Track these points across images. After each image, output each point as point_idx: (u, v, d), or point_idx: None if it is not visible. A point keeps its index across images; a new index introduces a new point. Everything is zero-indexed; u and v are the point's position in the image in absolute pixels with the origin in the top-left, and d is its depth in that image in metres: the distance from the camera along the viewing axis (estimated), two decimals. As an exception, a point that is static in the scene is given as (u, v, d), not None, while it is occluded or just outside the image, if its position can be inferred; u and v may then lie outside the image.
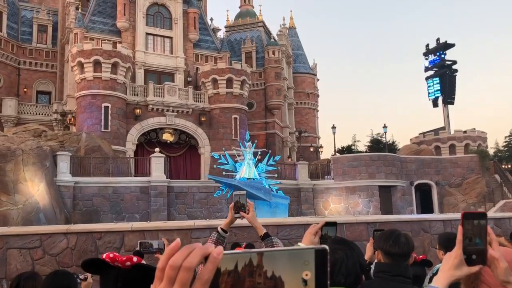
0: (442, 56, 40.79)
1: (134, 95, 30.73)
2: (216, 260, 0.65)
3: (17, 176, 19.30)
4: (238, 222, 3.14)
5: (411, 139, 40.61)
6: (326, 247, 0.69)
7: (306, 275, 0.67)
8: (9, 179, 19.07)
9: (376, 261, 2.82)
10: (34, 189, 19.55)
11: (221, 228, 3.01)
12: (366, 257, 3.49)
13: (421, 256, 3.72)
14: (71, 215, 21.50)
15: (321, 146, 46.58)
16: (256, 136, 35.56)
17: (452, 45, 40.95)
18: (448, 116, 40.53)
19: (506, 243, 4.01)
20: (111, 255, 2.03)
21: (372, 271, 2.96)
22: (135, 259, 2.03)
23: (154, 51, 34.03)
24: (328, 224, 2.56)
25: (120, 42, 32.21)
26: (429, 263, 3.76)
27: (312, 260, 0.67)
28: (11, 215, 18.27)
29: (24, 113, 34.30)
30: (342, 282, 2.01)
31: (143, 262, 2.15)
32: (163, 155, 26.11)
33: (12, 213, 18.37)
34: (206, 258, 0.66)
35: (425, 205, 30.56)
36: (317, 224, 2.54)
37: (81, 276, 3.54)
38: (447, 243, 3.88)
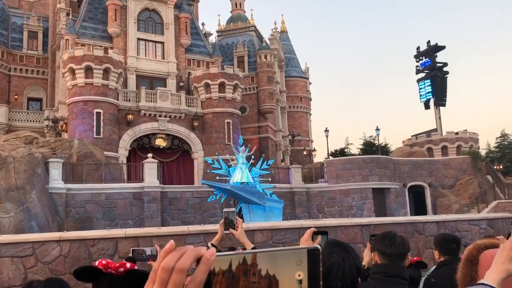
0: (433, 58, 41.10)
1: (126, 100, 30.60)
2: (209, 262, 0.65)
3: (8, 183, 19.12)
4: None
5: (403, 141, 40.82)
6: (319, 246, 0.69)
7: (299, 275, 0.66)
8: (0, 187, 18.89)
9: (373, 263, 2.81)
10: (26, 197, 19.36)
11: (211, 244, 3.09)
12: (364, 262, 3.48)
13: (415, 258, 3.71)
14: (63, 223, 21.32)
15: (314, 150, 46.72)
16: (249, 140, 35.54)
17: (443, 47, 41.27)
18: (440, 118, 40.81)
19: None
20: (103, 262, 2.00)
21: None
22: (128, 265, 2.00)
23: (145, 56, 33.96)
24: (318, 233, 2.54)
25: (112, 48, 32.11)
26: (424, 265, 3.75)
27: (304, 260, 0.67)
28: (2, 223, 18.09)
29: (15, 120, 34.03)
30: (339, 286, 1.98)
31: (136, 267, 2.12)
32: (156, 161, 26.00)
33: (3, 221, 18.18)
34: (198, 260, 0.65)
35: (419, 207, 30.67)
36: (313, 228, 2.54)
37: None
38: (442, 243, 3.90)
